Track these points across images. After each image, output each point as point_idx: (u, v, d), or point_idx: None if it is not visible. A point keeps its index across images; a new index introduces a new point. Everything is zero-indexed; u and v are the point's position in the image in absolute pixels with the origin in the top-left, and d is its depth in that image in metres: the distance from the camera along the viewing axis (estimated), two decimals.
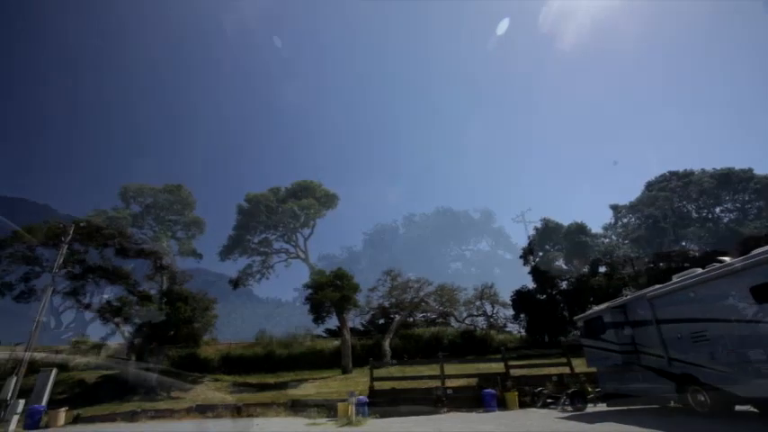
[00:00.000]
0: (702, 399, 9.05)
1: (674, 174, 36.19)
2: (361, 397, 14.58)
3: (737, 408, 9.15)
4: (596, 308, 13.99)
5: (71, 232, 23.04)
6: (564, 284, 33.17)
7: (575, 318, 16.04)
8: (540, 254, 35.57)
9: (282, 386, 22.33)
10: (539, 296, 32.77)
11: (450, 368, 18.76)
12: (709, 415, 8.86)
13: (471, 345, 29.94)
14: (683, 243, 32.04)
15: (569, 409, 13.27)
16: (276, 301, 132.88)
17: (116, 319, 25.31)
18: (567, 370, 16.86)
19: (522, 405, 15.21)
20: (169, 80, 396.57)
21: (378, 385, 17.20)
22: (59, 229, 23.46)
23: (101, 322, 26.56)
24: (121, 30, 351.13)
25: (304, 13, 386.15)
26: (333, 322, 30.77)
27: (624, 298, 13.19)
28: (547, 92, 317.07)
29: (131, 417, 16.72)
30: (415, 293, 33.82)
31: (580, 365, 16.19)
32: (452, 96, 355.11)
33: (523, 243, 39.12)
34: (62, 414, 16.64)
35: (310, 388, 21.56)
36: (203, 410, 17.09)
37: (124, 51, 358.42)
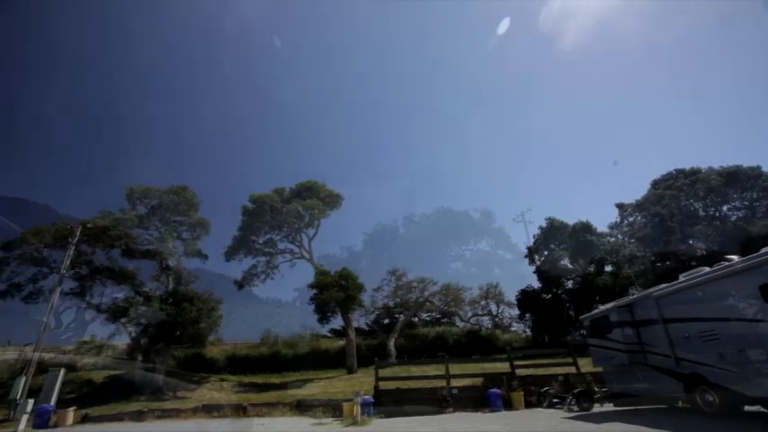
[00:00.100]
0: (711, 399, 8.97)
1: (680, 172, 35.84)
2: (366, 397, 14.58)
3: (746, 408, 9.05)
4: (602, 307, 13.90)
5: (78, 233, 23.28)
6: (569, 284, 32.99)
7: (580, 317, 15.95)
8: (546, 253, 35.41)
9: (288, 386, 22.41)
10: (544, 295, 32.62)
11: (456, 368, 18.71)
12: (717, 415, 8.77)
13: (476, 344, 29.87)
14: (690, 242, 31.74)
15: (575, 409, 13.19)
16: (276, 301, 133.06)
17: (122, 320, 25.52)
18: (573, 370, 16.78)
19: (528, 405, 15.14)
20: (171, 80, 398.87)
21: (383, 385, 17.20)
22: (67, 230, 23.69)
23: (106, 323, 26.81)
24: (122, 29, 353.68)
25: (304, 14, 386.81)
26: (338, 322, 30.83)
27: (631, 297, 13.10)
28: (547, 92, 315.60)
29: (138, 416, 16.85)
30: (419, 293, 33.80)
31: (586, 365, 16.09)
32: (453, 96, 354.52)
33: (523, 243, 39.01)
34: (70, 413, 16.79)
35: (315, 388, 21.61)
36: (209, 410, 17.18)
37: (125, 51, 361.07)
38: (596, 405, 13.53)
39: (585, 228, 33.71)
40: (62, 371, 19.28)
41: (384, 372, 18.51)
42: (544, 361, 18.71)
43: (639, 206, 36.16)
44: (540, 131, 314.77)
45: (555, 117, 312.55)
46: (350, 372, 25.78)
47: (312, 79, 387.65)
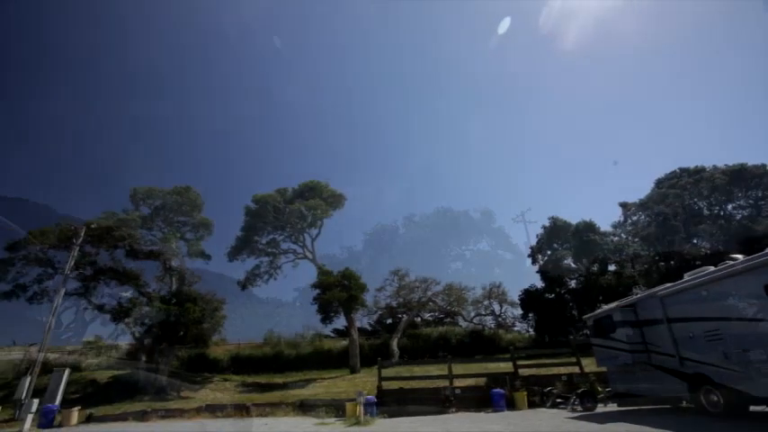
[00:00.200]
0: (716, 399, 8.91)
1: (684, 170, 35.60)
2: (369, 397, 14.59)
3: (752, 408, 8.99)
4: (606, 307, 13.85)
5: (82, 234, 23.41)
6: (573, 283, 32.86)
7: (584, 317, 15.88)
8: (548, 252, 35.27)
9: (291, 386, 22.44)
10: (547, 295, 32.50)
11: (459, 368, 18.68)
12: (722, 415, 8.71)
13: (479, 344, 29.82)
14: (695, 241, 31.53)
15: (579, 409, 13.14)
16: (276, 301, 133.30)
17: (126, 320, 25.65)
18: (576, 369, 16.70)
19: (532, 405, 15.10)
20: (173, 80, 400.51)
21: (386, 385, 17.20)
22: (71, 231, 23.83)
23: (106, 323, 27.04)
24: (123, 29, 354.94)
25: (304, 14, 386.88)
26: (340, 322, 30.86)
27: (634, 297, 13.04)
28: (547, 91, 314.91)
29: (142, 416, 16.91)
30: (422, 293, 33.77)
31: (590, 365, 16.03)
32: (453, 96, 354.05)
33: (523, 243, 39.00)
34: (75, 413, 16.87)
35: (319, 388, 21.63)
36: (213, 410, 17.23)
37: (125, 51, 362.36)
38: (600, 405, 13.47)
39: (589, 227, 33.56)
40: (67, 371, 19.41)
41: (387, 372, 18.50)
42: (547, 361, 18.64)
43: (643, 205, 35.96)
44: (540, 131, 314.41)
45: (555, 117, 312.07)
46: (353, 372, 25.79)
47: (313, 79, 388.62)
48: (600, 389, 14.77)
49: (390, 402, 15.91)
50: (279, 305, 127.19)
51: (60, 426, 16.28)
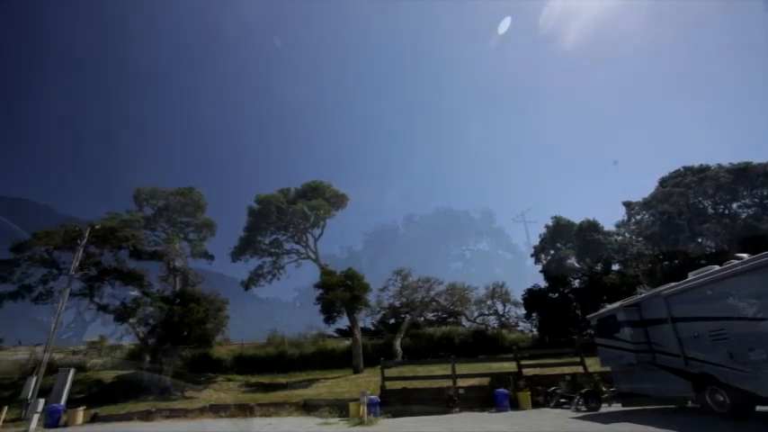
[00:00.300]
0: (721, 399, 8.85)
1: (688, 169, 35.38)
2: (372, 397, 14.58)
3: (758, 408, 8.93)
4: (610, 306, 13.78)
5: (87, 235, 23.55)
6: (576, 283, 32.75)
7: (587, 316, 15.82)
8: (552, 252, 35.16)
9: (294, 386, 22.49)
10: (550, 295, 32.41)
11: (462, 367, 18.65)
12: (728, 416, 8.65)
13: (483, 344, 29.78)
14: (699, 240, 31.33)
15: (583, 409, 13.09)
16: (276, 301, 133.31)
17: (130, 320, 25.78)
18: (580, 369, 16.63)
19: (535, 405, 15.06)
20: (175, 80, 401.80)
21: (389, 385, 17.18)
22: (75, 232, 23.98)
23: (107, 323, 27.13)
24: (121, 29, 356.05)
25: (304, 14, 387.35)
26: (344, 322, 30.89)
27: (639, 296, 12.97)
28: (547, 91, 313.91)
29: (147, 416, 17.00)
30: (425, 293, 33.76)
31: (594, 365, 15.96)
32: (453, 95, 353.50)
33: (524, 243, 38.93)
34: (80, 413, 16.99)
35: (322, 388, 21.66)
36: (217, 410, 17.29)
37: (126, 51, 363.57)
38: (604, 405, 13.42)
39: (592, 226, 33.42)
40: (72, 371, 19.54)
41: (390, 372, 18.48)
42: (551, 360, 18.60)
43: (647, 204, 35.77)
44: (540, 131, 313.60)
45: (555, 116, 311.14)
46: (356, 372, 25.81)
47: (313, 80, 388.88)
48: (604, 389, 14.70)
49: (394, 402, 15.91)
50: (278, 305, 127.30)
51: (66, 425, 16.39)
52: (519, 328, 35.87)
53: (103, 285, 26.77)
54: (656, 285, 18.08)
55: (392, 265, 38.48)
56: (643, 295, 12.52)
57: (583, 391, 13.78)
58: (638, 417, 10.31)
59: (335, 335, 36.50)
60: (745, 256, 8.95)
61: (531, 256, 37.13)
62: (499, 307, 36.86)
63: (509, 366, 18.14)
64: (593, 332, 14.64)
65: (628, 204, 37.97)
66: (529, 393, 15.27)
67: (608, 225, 37.72)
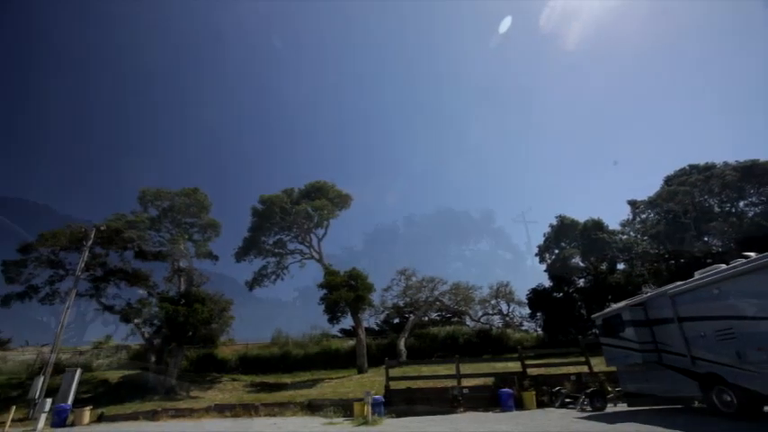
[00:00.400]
0: (729, 399, 8.78)
1: (694, 167, 35.07)
2: (376, 396, 14.58)
3: (766, 408, 8.85)
4: (615, 305, 13.70)
5: (92, 236, 23.73)
6: (581, 282, 32.58)
7: (593, 316, 15.74)
8: (556, 251, 35.01)
9: (299, 386, 22.53)
10: (555, 294, 32.28)
11: (466, 367, 18.62)
12: (735, 416, 8.58)
13: (487, 344, 29.71)
14: (705, 238, 31.07)
15: (588, 408, 13.03)
16: (276, 300, 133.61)
17: (135, 321, 25.96)
18: (585, 369, 16.56)
19: (540, 405, 15.01)
20: (177, 81, 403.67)
21: (393, 385, 17.18)
22: (81, 233, 24.17)
23: (111, 323, 27.34)
24: (124, 29, 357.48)
25: (305, 14, 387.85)
26: (348, 322, 30.90)
27: (644, 295, 12.89)
28: (548, 91, 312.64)
29: (153, 415, 17.10)
30: (429, 293, 33.72)
31: (599, 364, 15.89)
32: (453, 96, 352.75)
33: (524, 243, 38.85)
34: (87, 412, 17.11)
35: (326, 388, 21.68)
36: (222, 410, 17.36)
37: (127, 50, 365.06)
38: (610, 405, 13.36)
39: (597, 225, 33.25)
40: (78, 371, 19.67)
41: (394, 371, 18.49)
42: (556, 360, 18.52)
43: (652, 203, 35.51)
44: (540, 131, 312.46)
45: (556, 116, 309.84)
46: (360, 371, 25.82)
47: (314, 80, 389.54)
48: (609, 388, 14.64)
49: (398, 402, 15.91)
50: (278, 305, 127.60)
51: (73, 425, 16.52)
52: (523, 328, 35.77)
53: (109, 286, 26.99)
54: (661, 284, 17.97)
55: (393, 264, 38.65)
56: (649, 294, 12.43)
57: (588, 390, 13.71)
58: (644, 417, 10.24)
59: (339, 335, 36.54)
60: (752, 254, 8.87)
61: (536, 255, 37.02)
62: (503, 306, 36.81)
63: (513, 366, 18.08)
64: (598, 332, 14.56)
65: (633, 203, 37.71)
66: (533, 393, 15.22)
67: (613, 224, 37.56)
